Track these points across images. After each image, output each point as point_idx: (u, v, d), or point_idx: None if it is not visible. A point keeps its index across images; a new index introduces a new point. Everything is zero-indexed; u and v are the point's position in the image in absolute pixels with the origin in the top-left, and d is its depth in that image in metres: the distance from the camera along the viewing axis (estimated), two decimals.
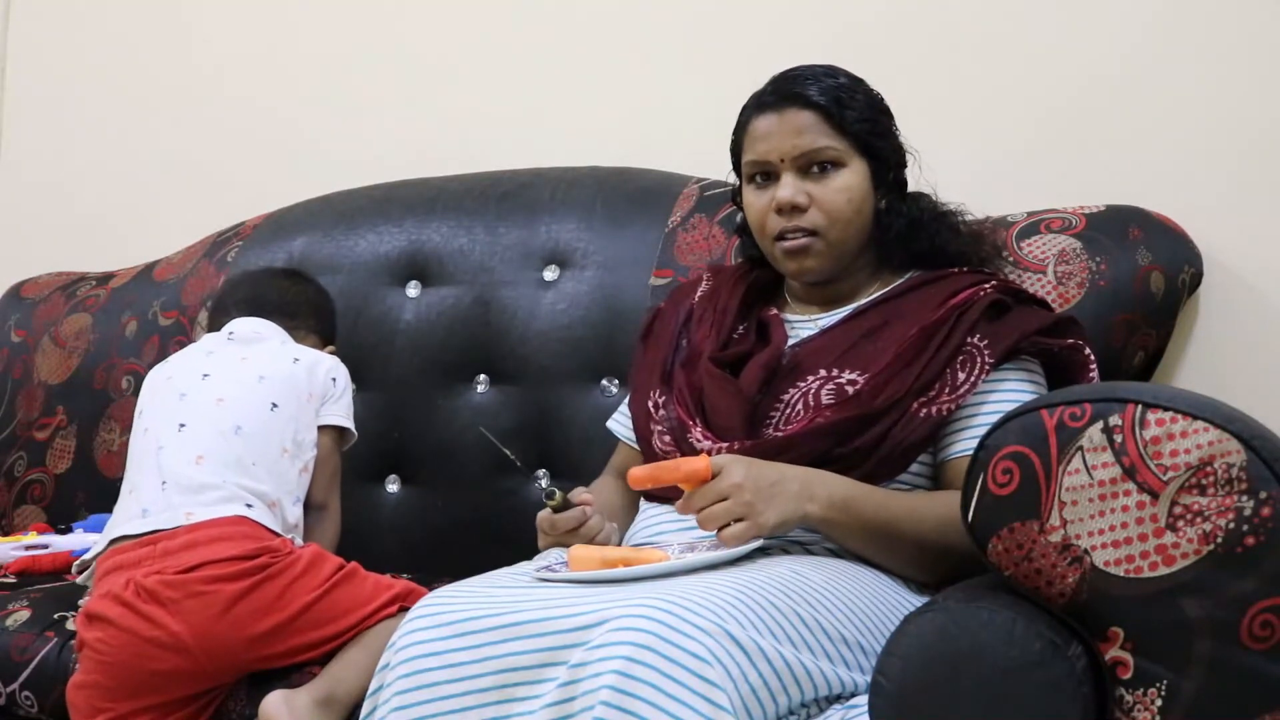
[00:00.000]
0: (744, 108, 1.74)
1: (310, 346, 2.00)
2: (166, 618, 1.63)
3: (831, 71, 1.71)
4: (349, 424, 1.96)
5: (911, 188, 1.76)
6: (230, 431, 1.81)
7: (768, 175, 1.70)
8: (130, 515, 1.75)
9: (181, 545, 1.68)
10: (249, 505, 1.75)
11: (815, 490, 1.51)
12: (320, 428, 1.92)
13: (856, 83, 1.71)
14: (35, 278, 2.71)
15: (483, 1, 2.54)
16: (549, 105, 2.45)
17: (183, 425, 1.82)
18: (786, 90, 1.69)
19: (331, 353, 2.03)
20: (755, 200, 1.71)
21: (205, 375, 1.89)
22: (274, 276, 2.12)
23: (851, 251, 1.71)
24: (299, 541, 1.81)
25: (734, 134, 1.76)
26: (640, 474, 1.51)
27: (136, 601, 1.64)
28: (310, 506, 1.90)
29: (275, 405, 1.86)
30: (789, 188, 1.67)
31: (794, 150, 1.67)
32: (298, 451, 1.87)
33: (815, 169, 1.67)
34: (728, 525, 1.48)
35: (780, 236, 1.69)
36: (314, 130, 2.66)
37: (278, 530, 1.77)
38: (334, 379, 1.95)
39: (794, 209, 1.67)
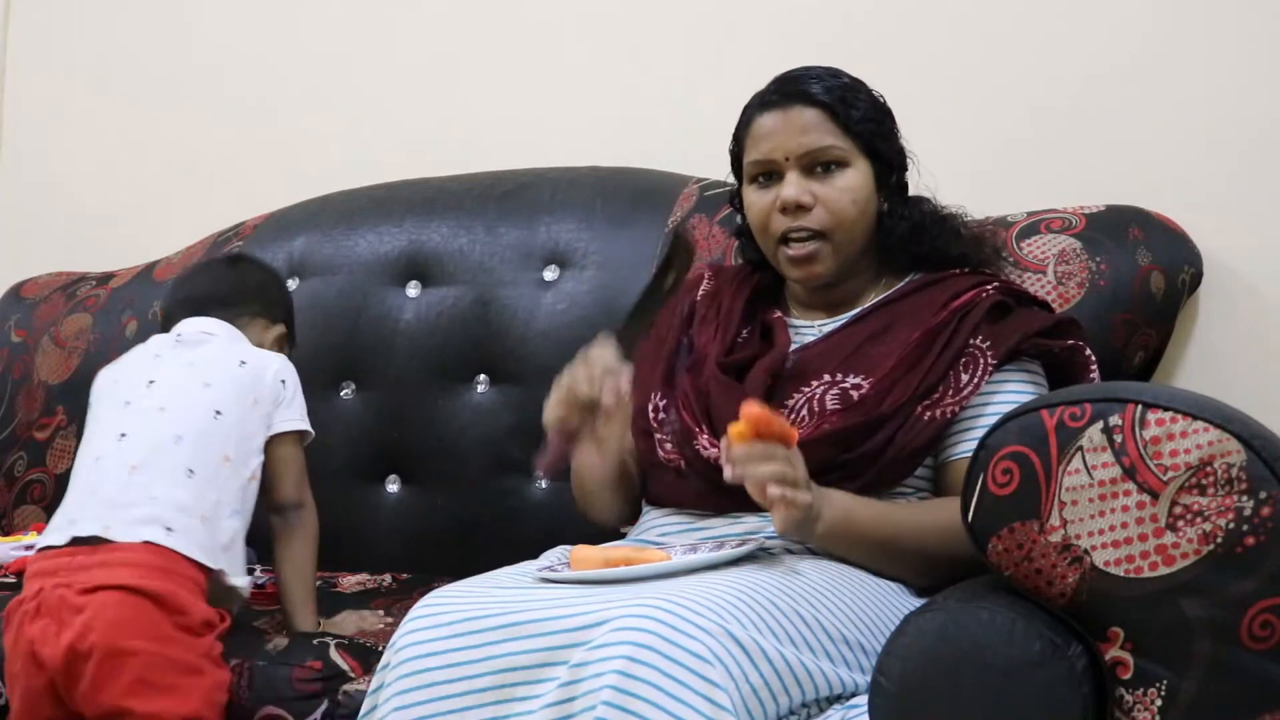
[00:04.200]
0: (746, 107, 1.73)
1: (258, 331, 1.93)
2: (53, 632, 1.60)
3: (835, 73, 1.70)
4: (306, 426, 1.87)
5: (911, 192, 1.76)
6: (170, 441, 1.74)
7: (770, 175, 1.69)
8: (57, 525, 1.71)
9: (96, 563, 1.64)
10: (169, 529, 1.66)
11: (822, 509, 1.50)
12: (281, 435, 1.83)
13: (859, 84, 1.71)
14: (35, 278, 2.71)
15: (483, 2, 2.54)
16: (549, 105, 2.45)
17: (123, 435, 1.75)
18: (790, 89, 1.68)
19: (280, 336, 1.96)
20: (758, 200, 1.70)
21: (151, 382, 1.82)
22: (212, 267, 2.06)
23: (856, 253, 1.70)
24: (231, 562, 1.72)
25: (735, 134, 1.75)
26: (756, 412, 1.42)
27: (37, 611, 1.62)
28: (287, 506, 1.82)
29: (219, 413, 1.78)
30: (794, 186, 1.66)
31: (799, 149, 1.66)
32: (241, 459, 1.77)
33: (819, 169, 1.66)
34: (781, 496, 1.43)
35: (784, 240, 1.68)
36: (314, 130, 2.66)
37: (198, 557, 1.67)
38: (283, 381, 1.85)
39: (799, 208, 1.65)
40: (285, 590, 1.79)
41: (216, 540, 1.70)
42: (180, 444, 1.73)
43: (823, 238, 1.66)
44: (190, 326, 1.90)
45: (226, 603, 1.71)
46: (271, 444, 1.82)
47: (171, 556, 1.65)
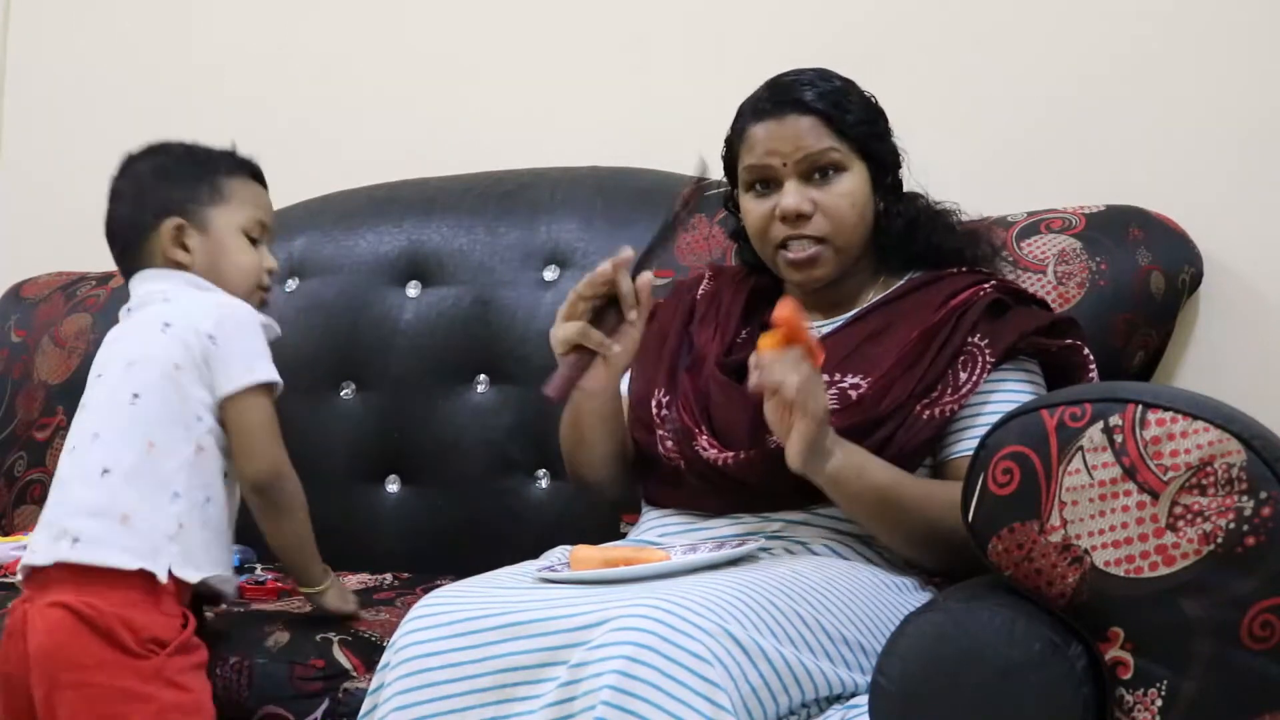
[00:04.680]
0: (739, 115, 1.72)
1: (162, 243, 1.68)
2: (17, 652, 1.54)
3: (825, 75, 1.70)
4: (263, 376, 1.61)
5: (904, 188, 1.76)
6: (88, 441, 1.60)
7: (768, 183, 1.68)
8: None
9: (46, 581, 1.57)
10: (76, 540, 1.54)
11: (835, 449, 1.50)
12: (233, 397, 1.60)
13: (850, 85, 1.70)
14: (35, 278, 2.70)
15: (484, 2, 2.54)
16: (549, 105, 2.45)
17: (74, 449, 1.63)
18: (784, 96, 1.67)
19: (176, 228, 1.68)
20: (756, 208, 1.69)
21: (99, 375, 1.66)
22: (111, 203, 1.76)
23: (855, 256, 1.70)
24: (185, 553, 1.57)
25: (728, 142, 1.74)
26: (789, 315, 1.44)
27: (9, 631, 1.57)
28: (262, 482, 1.61)
29: (136, 396, 1.59)
30: (793, 195, 1.65)
31: (796, 155, 1.65)
32: (176, 438, 1.58)
33: (817, 175, 1.66)
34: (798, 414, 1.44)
35: (784, 245, 1.67)
36: (314, 130, 2.66)
37: (116, 562, 1.53)
38: (211, 336, 1.60)
39: (799, 217, 1.65)
40: (287, 560, 1.68)
41: (154, 534, 1.55)
42: (97, 441, 1.59)
43: (823, 243, 1.66)
44: (136, 291, 1.72)
45: (210, 601, 1.62)
46: (226, 410, 1.62)
47: (86, 572, 1.53)
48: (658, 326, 1.80)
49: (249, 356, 1.63)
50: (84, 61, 2.92)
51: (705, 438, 1.63)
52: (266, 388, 1.64)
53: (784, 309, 1.45)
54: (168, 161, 1.74)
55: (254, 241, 1.74)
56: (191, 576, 1.58)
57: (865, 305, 1.72)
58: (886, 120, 1.72)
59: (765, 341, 1.45)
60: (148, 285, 1.71)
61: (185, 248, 1.70)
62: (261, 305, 1.73)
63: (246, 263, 1.73)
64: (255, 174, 1.78)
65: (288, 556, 1.70)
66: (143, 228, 1.71)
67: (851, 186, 1.66)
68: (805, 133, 1.65)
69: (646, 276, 1.55)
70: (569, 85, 2.44)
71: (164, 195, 1.71)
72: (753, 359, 1.47)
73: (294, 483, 1.65)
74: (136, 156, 1.77)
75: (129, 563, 1.54)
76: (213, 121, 2.74)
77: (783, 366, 1.44)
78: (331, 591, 1.73)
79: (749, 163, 1.69)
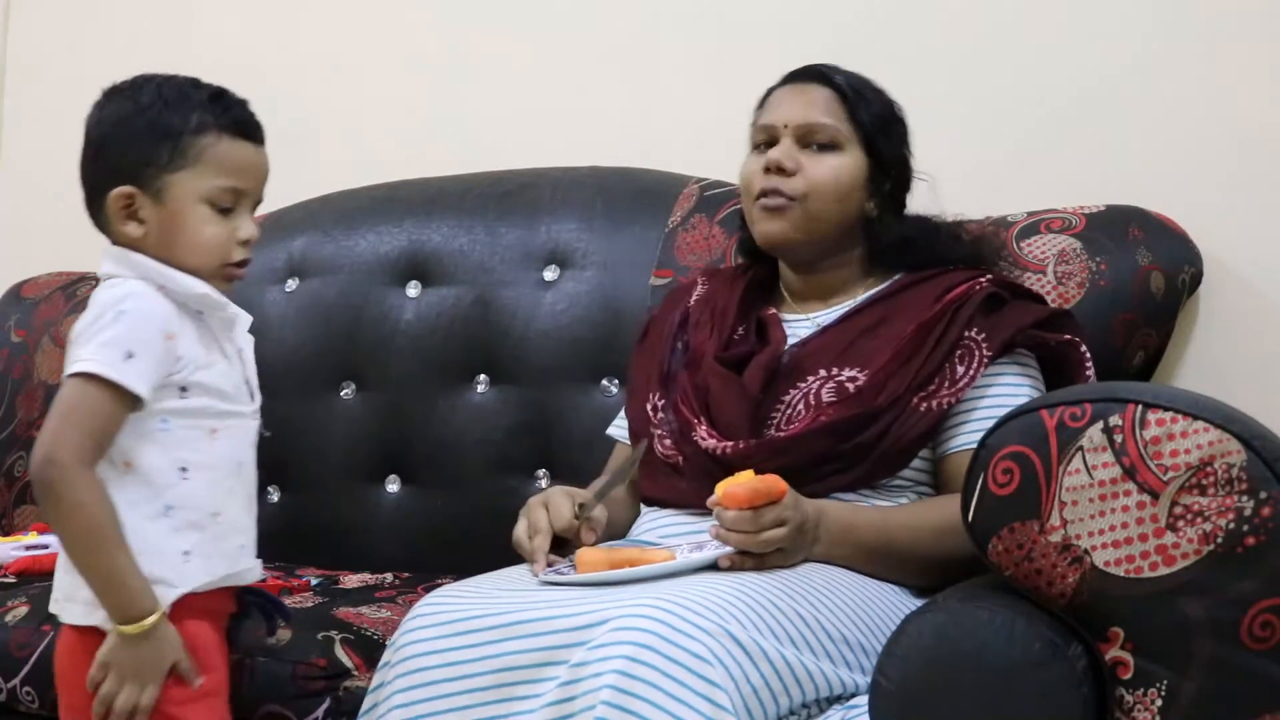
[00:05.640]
0: (769, 88, 1.77)
1: (114, 213, 1.48)
2: None
3: (862, 76, 1.74)
4: (83, 367, 1.37)
5: (922, 211, 1.76)
6: None
7: (770, 144, 1.71)
8: None
9: None
10: (55, 601, 1.47)
11: (819, 533, 1.50)
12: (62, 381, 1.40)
13: (882, 90, 1.74)
14: (35, 278, 2.71)
15: (484, 2, 2.54)
16: (550, 105, 2.45)
17: None
18: (813, 70, 1.74)
19: (124, 198, 1.46)
20: (749, 164, 1.73)
21: None
22: (83, 142, 1.54)
23: (826, 235, 1.70)
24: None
25: (754, 112, 1.78)
26: (741, 494, 1.43)
27: None
28: (34, 466, 1.41)
29: None
30: (781, 150, 1.69)
31: (799, 119, 1.69)
32: (100, 465, 1.43)
33: (815, 146, 1.69)
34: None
35: (762, 195, 1.69)
36: (314, 130, 2.66)
37: (74, 619, 1.44)
38: (73, 341, 1.41)
39: (780, 170, 1.68)
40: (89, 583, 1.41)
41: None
42: None
43: (795, 201, 1.68)
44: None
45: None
46: None
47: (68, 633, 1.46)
48: (649, 345, 1.82)
49: (92, 346, 1.39)
50: (84, 61, 2.92)
51: (704, 428, 1.64)
52: (94, 380, 1.38)
53: (735, 490, 1.44)
54: (132, 111, 1.50)
55: (225, 210, 1.48)
56: (170, 595, 1.41)
57: (860, 300, 1.72)
58: (906, 132, 1.75)
59: (722, 492, 1.45)
60: (102, 267, 1.52)
61: (138, 219, 1.47)
62: (229, 281, 1.51)
63: (206, 238, 1.47)
64: (238, 127, 1.51)
65: (85, 576, 1.41)
66: (98, 189, 1.48)
67: (842, 165, 1.69)
68: (816, 102, 1.70)
69: (599, 513, 1.59)
70: (569, 85, 2.44)
71: (120, 154, 1.48)
72: (714, 508, 1.45)
73: (71, 479, 1.38)
74: (111, 94, 1.55)
75: (83, 617, 1.42)
76: None
77: (744, 534, 1.43)
78: (155, 640, 1.40)
79: (758, 122, 1.74)
